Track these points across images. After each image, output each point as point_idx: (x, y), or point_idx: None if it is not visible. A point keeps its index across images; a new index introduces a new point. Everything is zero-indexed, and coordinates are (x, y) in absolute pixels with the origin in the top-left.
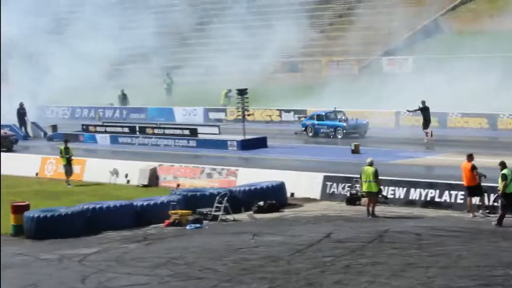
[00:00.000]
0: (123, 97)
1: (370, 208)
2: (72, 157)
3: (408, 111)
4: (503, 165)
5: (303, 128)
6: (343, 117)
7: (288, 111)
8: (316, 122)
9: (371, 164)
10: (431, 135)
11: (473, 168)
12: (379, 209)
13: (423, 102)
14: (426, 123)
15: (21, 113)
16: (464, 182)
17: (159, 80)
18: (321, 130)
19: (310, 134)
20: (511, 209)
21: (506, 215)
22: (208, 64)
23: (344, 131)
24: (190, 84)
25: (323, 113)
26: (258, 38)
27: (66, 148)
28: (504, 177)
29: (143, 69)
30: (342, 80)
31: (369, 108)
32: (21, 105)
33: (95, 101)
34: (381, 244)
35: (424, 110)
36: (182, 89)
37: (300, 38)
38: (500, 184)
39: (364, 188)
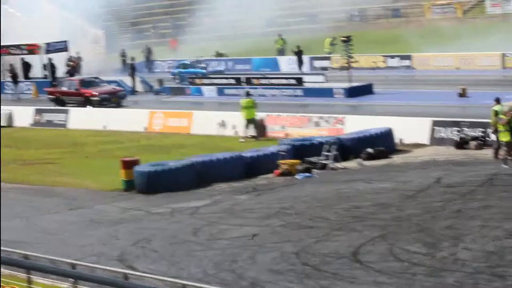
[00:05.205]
0: (219, 55)
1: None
2: None
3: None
4: (497, 101)
5: (172, 76)
6: (203, 65)
7: (392, 56)
8: (182, 70)
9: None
10: None
11: None
12: (485, 152)
13: (298, 47)
14: (300, 64)
15: (133, 67)
16: None
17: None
18: (186, 76)
19: (177, 81)
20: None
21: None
22: (310, 12)
23: (204, 76)
24: (292, 33)
25: (188, 62)
26: None
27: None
28: (495, 113)
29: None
30: (446, 23)
31: (474, 50)
32: (132, 59)
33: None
34: (492, 188)
35: (298, 53)
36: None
37: None
38: (492, 120)
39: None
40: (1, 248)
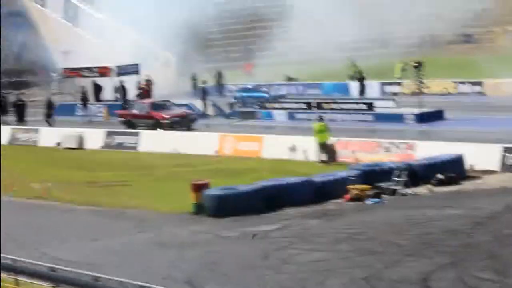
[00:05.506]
0: (289, 80)
1: None
2: None
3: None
4: None
5: (235, 100)
6: (265, 89)
7: (464, 82)
8: (244, 94)
9: None
10: None
11: None
12: None
13: (360, 73)
14: (362, 90)
15: (204, 91)
16: None
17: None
18: (249, 100)
19: (240, 105)
20: None
21: None
22: (381, 37)
23: (267, 100)
24: (363, 58)
25: (250, 86)
26: (430, 9)
27: None
28: None
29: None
30: None
31: None
32: (204, 82)
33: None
34: None
35: (360, 79)
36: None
37: (472, 8)
38: None
39: None
40: (71, 269)
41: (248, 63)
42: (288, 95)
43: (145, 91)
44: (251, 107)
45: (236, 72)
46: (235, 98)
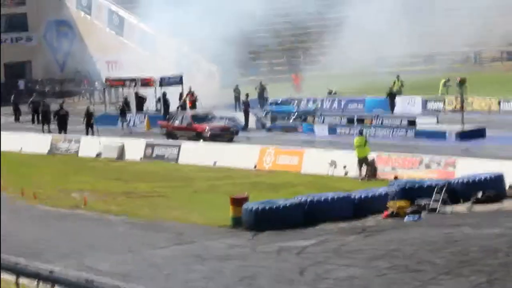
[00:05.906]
0: (329, 93)
1: None
2: None
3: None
4: None
5: (264, 114)
6: (295, 103)
7: (508, 100)
8: (274, 108)
9: None
10: None
11: None
12: None
13: (390, 89)
14: (392, 107)
15: (246, 103)
16: None
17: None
18: (277, 115)
19: (270, 116)
20: None
21: None
22: (426, 53)
23: (295, 114)
24: (407, 74)
25: (279, 100)
26: (478, 26)
27: None
28: None
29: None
30: None
31: None
32: (247, 96)
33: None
34: None
35: (391, 96)
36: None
37: None
38: None
39: None
40: (107, 281)
41: (296, 76)
42: (317, 110)
43: (189, 102)
44: (281, 121)
45: (283, 85)
46: (265, 111)
